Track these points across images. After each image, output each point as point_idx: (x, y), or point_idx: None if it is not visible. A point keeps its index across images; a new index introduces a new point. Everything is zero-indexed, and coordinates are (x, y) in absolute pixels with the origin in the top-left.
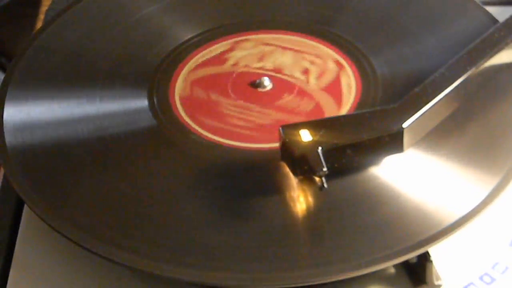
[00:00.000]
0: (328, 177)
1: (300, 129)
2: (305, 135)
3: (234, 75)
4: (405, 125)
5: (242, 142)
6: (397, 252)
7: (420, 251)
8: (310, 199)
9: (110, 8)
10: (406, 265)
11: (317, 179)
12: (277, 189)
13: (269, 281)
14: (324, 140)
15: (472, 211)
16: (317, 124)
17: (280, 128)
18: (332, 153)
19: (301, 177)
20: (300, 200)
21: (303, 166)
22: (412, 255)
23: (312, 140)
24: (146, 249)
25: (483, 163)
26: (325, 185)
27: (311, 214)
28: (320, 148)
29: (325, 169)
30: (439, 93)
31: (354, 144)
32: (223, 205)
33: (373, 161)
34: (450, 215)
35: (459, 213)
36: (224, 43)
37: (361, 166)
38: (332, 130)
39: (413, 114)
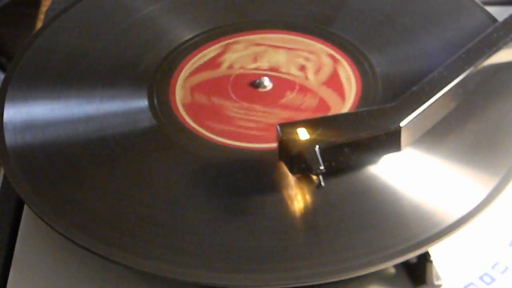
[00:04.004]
0: (326, 175)
1: (297, 127)
2: (303, 134)
3: (233, 76)
4: (402, 124)
5: (242, 141)
6: (397, 252)
7: (420, 251)
8: (308, 197)
9: (110, 8)
10: (406, 265)
11: (314, 177)
12: (275, 188)
13: (267, 281)
14: (321, 139)
15: (472, 211)
16: (315, 123)
17: (278, 126)
18: (329, 152)
19: (298, 175)
20: (298, 198)
21: (301, 164)
22: (412, 255)
23: (309, 138)
24: (146, 249)
25: (483, 163)
26: (322, 183)
27: (308, 212)
28: (317, 146)
29: (322, 167)
30: (437, 92)
31: (351, 143)
32: (222, 204)
33: (371, 160)
34: (450, 215)
35: (459, 213)
36: (223, 43)
37: (358, 165)
38: (329, 129)
39: (410, 113)
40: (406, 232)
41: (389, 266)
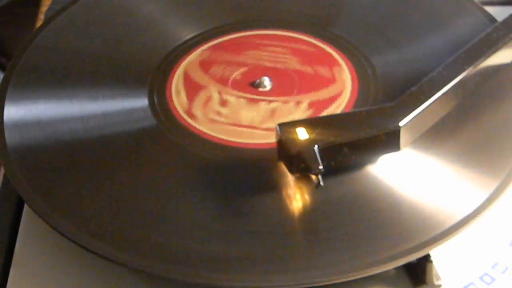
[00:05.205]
0: (325, 175)
1: (296, 127)
2: (302, 133)
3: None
4: (401, 123)
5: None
6: (397, 254)
7: (421, 253)
8: (307, 197)
9: (110, 7)
10: (406, 265)
11: (313, 177)
12: (274, 187)
13: (266, 281)
14: (321, 138)
15: (473, 213)
16: (314, 122)
17: (277, 126)
18: (328, 151)
19: (297, 175)
20: (297, 198)
21: (300, 164)
22: (412, 258)
23: (309, 138)
24: (146, 249)
25: (484, 164)
26: (321, 183)
27: (307, 213)
28: (316, 146)
29: (321, 167)
30: (436, 92)
31: (350, 142)
32: (221, 204)
33: (370, 160)
34: (451, 216)
35: (460, 214)
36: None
37: (357, 165)
38: (328, 128)
39: (410, 113)
40: (406, 234)
41: (390, 268)
